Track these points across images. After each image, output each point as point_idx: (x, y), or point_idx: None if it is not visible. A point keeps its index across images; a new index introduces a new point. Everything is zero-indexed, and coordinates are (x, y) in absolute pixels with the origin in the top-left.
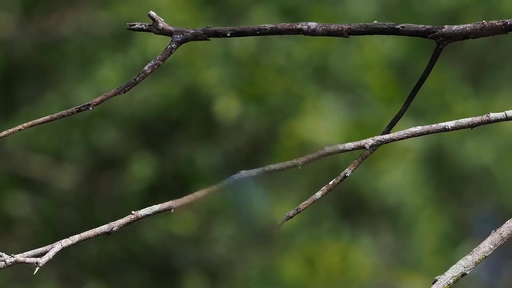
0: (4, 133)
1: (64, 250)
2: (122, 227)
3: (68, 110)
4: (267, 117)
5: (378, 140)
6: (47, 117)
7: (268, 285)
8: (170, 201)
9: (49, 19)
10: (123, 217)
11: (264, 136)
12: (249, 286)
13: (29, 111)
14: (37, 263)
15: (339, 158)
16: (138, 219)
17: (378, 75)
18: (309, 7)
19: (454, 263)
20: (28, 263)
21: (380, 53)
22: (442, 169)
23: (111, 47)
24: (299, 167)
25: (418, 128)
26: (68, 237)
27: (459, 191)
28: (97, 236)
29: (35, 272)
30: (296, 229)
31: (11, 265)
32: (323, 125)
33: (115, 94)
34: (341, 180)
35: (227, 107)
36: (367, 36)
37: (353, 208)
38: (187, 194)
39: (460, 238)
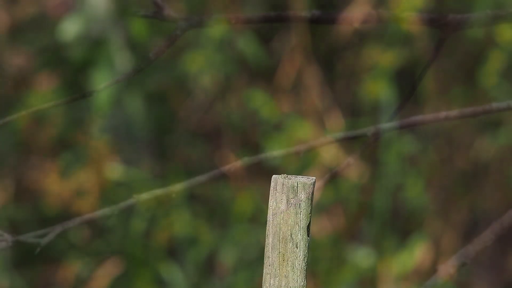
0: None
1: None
2: (123, 211)
3: (73, 96)
4: None
5: (381, 128)
6: (51, 103)
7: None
8: (171, 185)
9: None
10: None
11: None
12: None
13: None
14: (38, 243)
15: (337, 158)
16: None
17: (377, 77)
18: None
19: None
20: (30, 242)
21: (380, 58)
22: (443, 169)
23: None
24: (301, 154)
25: (420, 117)
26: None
27: (459, 190)
28: (98, 219)
29: (36, 252)
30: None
31: (14, 245)
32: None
33: (119, 81)
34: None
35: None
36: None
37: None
38: None
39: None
